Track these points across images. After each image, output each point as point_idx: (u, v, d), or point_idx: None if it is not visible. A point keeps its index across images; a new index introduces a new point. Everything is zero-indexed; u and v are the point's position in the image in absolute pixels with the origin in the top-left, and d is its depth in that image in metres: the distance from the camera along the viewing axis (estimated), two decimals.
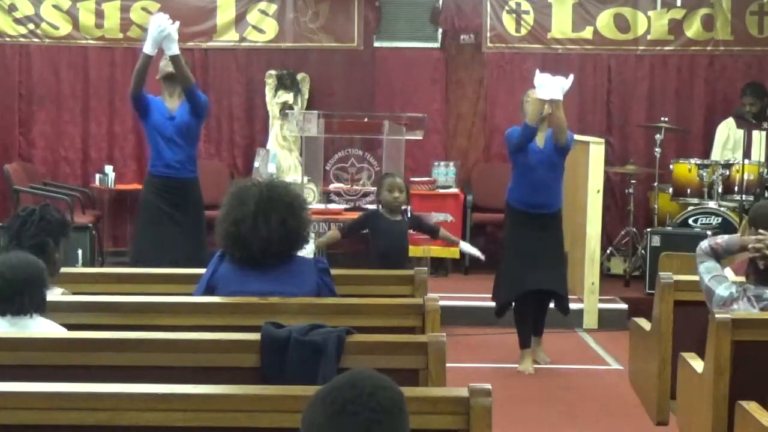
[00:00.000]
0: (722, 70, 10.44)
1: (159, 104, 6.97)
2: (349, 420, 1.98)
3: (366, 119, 8.95)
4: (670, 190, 9.37)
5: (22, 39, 10.38)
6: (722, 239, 4.61)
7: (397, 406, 2.03)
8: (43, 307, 3.68)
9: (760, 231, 4.53)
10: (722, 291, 4.48)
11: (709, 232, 7.97)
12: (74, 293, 4.33)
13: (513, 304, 7.16)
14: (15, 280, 3.60)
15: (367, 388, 2.02)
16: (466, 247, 7.20)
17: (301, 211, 4.33)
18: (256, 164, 9.94)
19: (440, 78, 10.57)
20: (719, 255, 4.63)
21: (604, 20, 10.37)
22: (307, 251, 8.19)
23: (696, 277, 4.71)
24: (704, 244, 4.61)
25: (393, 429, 2.01)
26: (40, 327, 3.64)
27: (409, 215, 7.10)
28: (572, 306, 8.41)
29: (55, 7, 10.34)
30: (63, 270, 4.50)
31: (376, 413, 1.99)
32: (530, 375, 6.99)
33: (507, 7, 10.38)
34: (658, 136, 9.48)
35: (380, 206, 7.04)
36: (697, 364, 4.61)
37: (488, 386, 2.79)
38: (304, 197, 4.66)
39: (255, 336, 3.43)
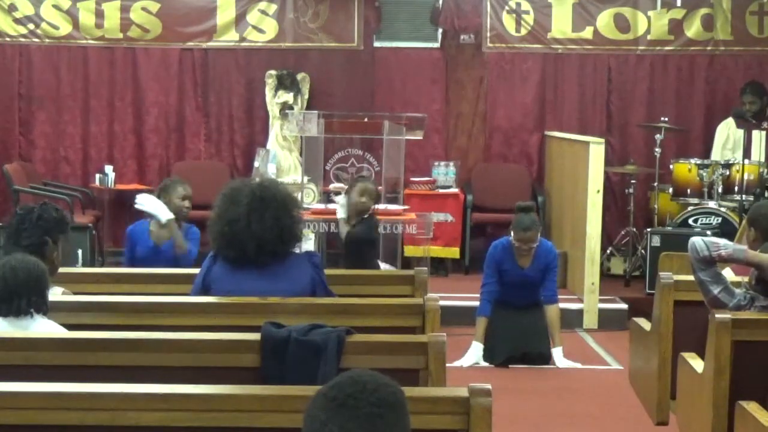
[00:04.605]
0: (722, 70, 10.43)
1: (142, 234, 6.46)
2: (350, 414, 1.98)
3: (366, 119, 8.93)
4: (670, 190, 9.36)
5: (22, 39, 10.37)
6: (726, 252, 4.50)
7: (398, 401, 2.04)
8: (44, 309, 3.69)
9: None
10: (734, 305, 4.47)
11: (708, 232, 7.96)
12: (74, 293, 4.34)
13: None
14: (14, 283, 3.61)
15: (369, 384, 2.02)
16: None
17: (294, 209, 4.34)
18: (256, 164, 9.94)
19: (440, 78, 10.56)
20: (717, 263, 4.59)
21: (604, 20, 10.36)
22: (308, 247, 8.24)
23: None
24: (702, 250, 4.51)
25: (394, 424, 2.01)
26: (41, 327, 3.64)
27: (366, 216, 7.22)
28: (572, 306, 8.46)
29: (55, 7, 10.33)
30: (63, 270, 4.50)
31: (377, 407, 1.99)
32: (529, 375, 6.99)
33: (507, 7, 10.37)
34: (658, 136, 9.47)
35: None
36: (697, 364, 4.61)
37: (488, 386, 2.79)
38: (296, 196, 4.68)
39: (255, 336, 3.43)
